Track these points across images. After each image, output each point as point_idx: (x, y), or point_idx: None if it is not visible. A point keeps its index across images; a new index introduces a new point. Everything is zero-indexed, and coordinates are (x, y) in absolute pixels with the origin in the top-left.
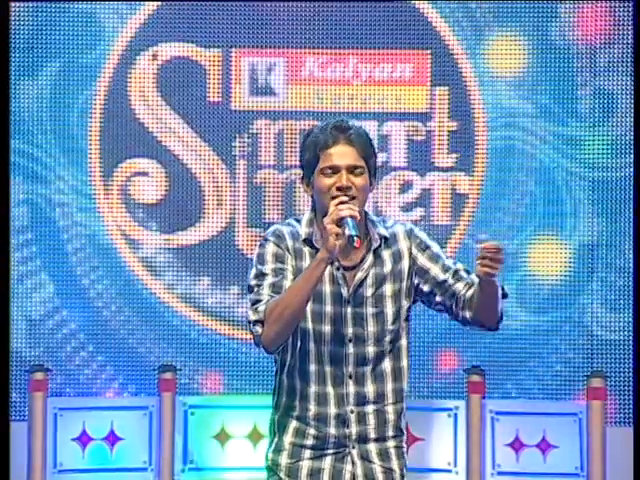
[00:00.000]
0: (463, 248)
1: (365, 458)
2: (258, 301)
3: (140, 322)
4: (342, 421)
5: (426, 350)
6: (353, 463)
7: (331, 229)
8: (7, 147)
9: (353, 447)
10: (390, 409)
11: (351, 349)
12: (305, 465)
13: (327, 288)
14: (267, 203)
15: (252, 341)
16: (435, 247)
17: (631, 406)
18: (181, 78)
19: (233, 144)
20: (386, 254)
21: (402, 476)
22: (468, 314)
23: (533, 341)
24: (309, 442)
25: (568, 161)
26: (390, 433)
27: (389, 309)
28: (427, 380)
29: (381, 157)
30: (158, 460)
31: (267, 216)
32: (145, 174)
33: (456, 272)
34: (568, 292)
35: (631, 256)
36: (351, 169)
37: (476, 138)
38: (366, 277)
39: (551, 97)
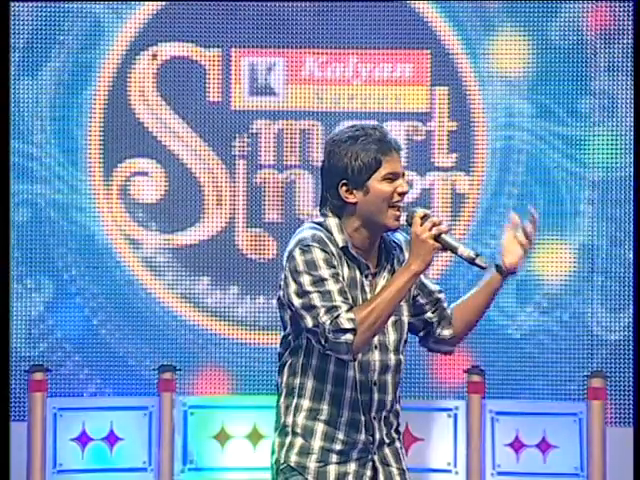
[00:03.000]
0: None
1: (385, 463)
2: (334, 307)
3: (139, 322)
4: (368, 428)
5: (426, 350)
6: (375, 469)
7: (434, 245)
8: (7, 147)
9: (375, 453)
10: (394, 415)
11: (377, 356)
12: (332, 469)
13: (359, 296)
14: (267, 203)
15: (322, 346)
16: None
17: (631, 406)
18: (181, 78)
19: (233, 144)
20: (396, 262)
21: (409, 476)
22: (447, 332)
23: (533, 341)
24: (337, 447)
25: (568, 161)
26: (394, 435)
27: (405, 317)
28: (427, 380)
29: None
30: (158, 460)
31: (267, 216)
32: (145, 174)
33: (440, 291)
34: (568, 292)
35: (631, 256)
36: (403, 176)
37: (476, 138)
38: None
39: (551, 97)
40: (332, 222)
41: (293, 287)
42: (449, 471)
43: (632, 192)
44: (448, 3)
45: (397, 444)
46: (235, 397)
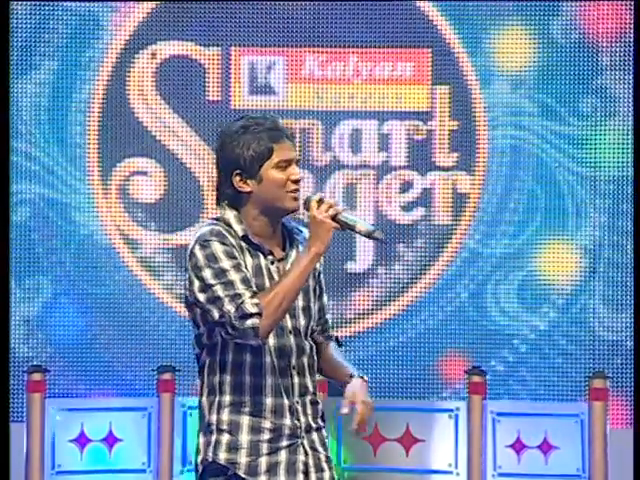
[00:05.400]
0: (464, 248)
1: (313, 448)
2: (237, 295)
3: (139, 322)
4: (292, 412)
5: (427, 351)
6: (305, 453)
7: (331, 224)
8: (7, 147)
9: (303, 437)
10: (319, 400)
11: (292, 341)
12: (263, 461)
13: (267, 282)
14: None
15: (231, 335)
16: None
17: (633, 407)
18: (180, 77)
19: None
20: (302, 247)
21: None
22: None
23: (534, 341)
24: (265, 436)
25: (570, 160)
26: (322, 423)
27: (312, 304)
28: (428, 381)
29: (382, 156)
30: (157, 461)
31: None
32: (144, 173)
33: (324, 307)
34: (570, 292)
35: (633, 256)
36: (297, 162)
37: (477, 137)
38: None
39: (553, 96)
40: (230, 214)
41: (197, 284)
42: (450, 472)
43: (633, 192)
44: (449, 1)
45: (324, 432)
46: None
